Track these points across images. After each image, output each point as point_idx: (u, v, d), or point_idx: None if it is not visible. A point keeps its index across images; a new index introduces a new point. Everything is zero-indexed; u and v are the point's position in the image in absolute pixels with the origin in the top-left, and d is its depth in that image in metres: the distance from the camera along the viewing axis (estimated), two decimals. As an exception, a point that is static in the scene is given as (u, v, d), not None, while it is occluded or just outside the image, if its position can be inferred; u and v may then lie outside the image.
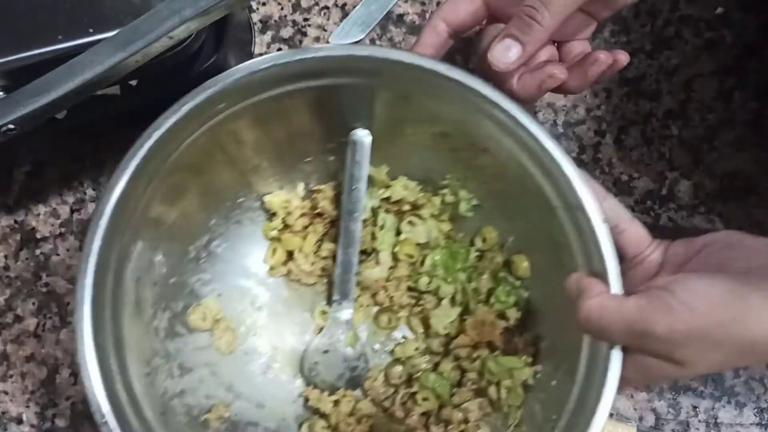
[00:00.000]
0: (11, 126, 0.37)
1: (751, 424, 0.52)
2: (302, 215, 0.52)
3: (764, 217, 0.54)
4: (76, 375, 0.53)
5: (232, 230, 0.52)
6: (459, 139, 0.46)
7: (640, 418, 0.52)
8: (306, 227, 0.53)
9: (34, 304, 0.54)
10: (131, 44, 0.37)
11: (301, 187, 0.53)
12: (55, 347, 0.54)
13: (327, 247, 0.52)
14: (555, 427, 0.41)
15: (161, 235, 0.46)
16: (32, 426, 0.53)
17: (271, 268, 0.53)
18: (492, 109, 0.41)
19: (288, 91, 0.43)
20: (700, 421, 0.52)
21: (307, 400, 0.51)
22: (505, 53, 0.39)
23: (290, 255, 0.53)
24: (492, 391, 0.48)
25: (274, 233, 0.53)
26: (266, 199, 0.52)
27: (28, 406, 0.53)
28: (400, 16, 0.57)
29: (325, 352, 0.51)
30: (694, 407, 0.52)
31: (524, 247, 0.49)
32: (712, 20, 0.56)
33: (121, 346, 0.41)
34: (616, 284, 0.39)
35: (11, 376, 0.54)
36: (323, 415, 0.50)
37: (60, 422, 0.53)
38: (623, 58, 0.41)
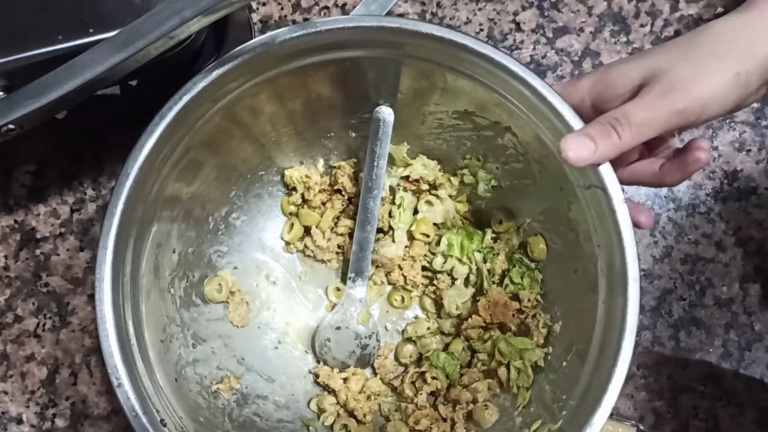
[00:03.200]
0: (11, 126, 0.37)
1: (750, 423, 0.52)
2: (321, 191, 0.53)
3: (764, 217, 0.54)
4: (76, 375, 0.53)
5: (252, 203, 0.53)
6: (482, 117, 0.47)
7: (640, 418, 0.52)
8: (324, 203, 0.53)
9: (34, 304, 0.54)
10: (131, 44, 0.37)
11: (321, 163, 0.54)
12: (55, 347, 0.54)
13: (344, 223, 0.53)
14: (564, 408, 0.42)
15: (182, 204, 0.46)
16: (32, 426, 0.53)
17: (287, 243, 0.54)
18: (519, 86, 0.41)
19: (310, 63, 0.43)
20: (700, 420, 0.52)
21: (317, 376, 0.51)
22: (578, 149, 0.37)
23: (307, 231, 0.54)
24: (502, 371, 0.48)
25: (292, 208, 0.54)
26: (287, 173, 0.53)
27: (28, 406, 0.53)
28: (400, 16, 0.57)
29: (338, 328, 0.52)
30: (694, 407, 0.52)
31: (541, 229, 0.49)
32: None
33: (138, 311, 0.42)
34: (634, 267, 0.39)
35: (11, 376, 0.54)
36: (332, 392, 0.50)
37: (60, 422, 0.53)
38: (704, 156, 0.41)
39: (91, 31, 0.40)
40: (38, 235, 0.55)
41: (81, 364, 0.54)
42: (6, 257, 0.55)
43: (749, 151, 0.55)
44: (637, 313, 0.39)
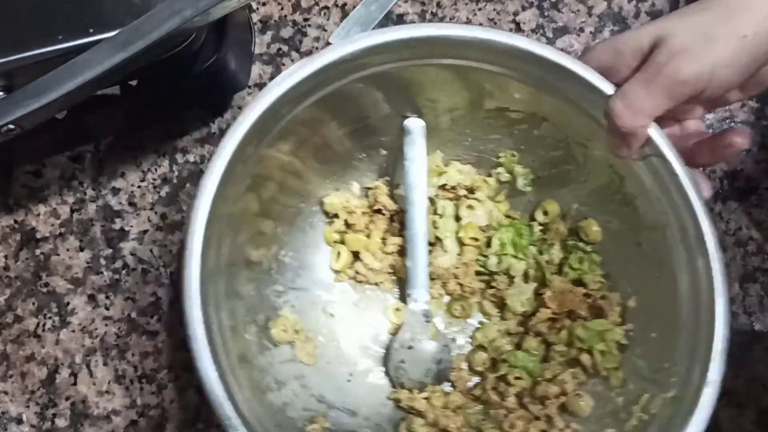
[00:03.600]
0: (11, 126, 0.37)
1: (750, 423, 0.52)
2: (362, 213, 0.52)
3: (764, 217, 0.54)
4: (76, 375, 0.53)
5: (297, 237, 0.51)
6: (516, 111, 0.46)
7: (640, 418, 0.52)
8: (367, 225, 0.53)
9: (34, 304, 0.54)
10: (131, 44, 0.37)
11: (356, 187, 0.53)
12: (55, 347, 0.54)
13: (392, 242, 0.52)
14: (672, 375, 0.41)
15: (239, 248, 0.45)
16: (32, 426, 0.53)
17: (337, 272, 0.53)
18: (558, 72, 0.41)
19: (352, 80, 0.42)
20: (700, 421, 0.52)
21: (397, 401, 0.50)
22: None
23: (356, 256, 0.53)
24: (584, 358, 0.47)
25: (335, 236, 0.53)
26: (326, 200, 0.52)
27: (28, 406, 0.53)
28: (400, 16, 0.57)
29: (410, 348, 0.50)
30: (694, 407, 0.52)
31: (589, 211, 0.49)
32: None
33: (232, 362, 0.41)
34: (707, 225, 0.39)
35: (11, 376, 0.54)
36: (419, 413, 0.49)
37: (60, 422, 0.53)
38: (740, 141, 0.41)
39: (91, 31, 0.40)
40: (38, 235, 0.55)
41: (81, 364, 0.54)
42: (6, 257, 0.55)
43: (749, 151, 0.55)
44: (723, 264, 0.39)
